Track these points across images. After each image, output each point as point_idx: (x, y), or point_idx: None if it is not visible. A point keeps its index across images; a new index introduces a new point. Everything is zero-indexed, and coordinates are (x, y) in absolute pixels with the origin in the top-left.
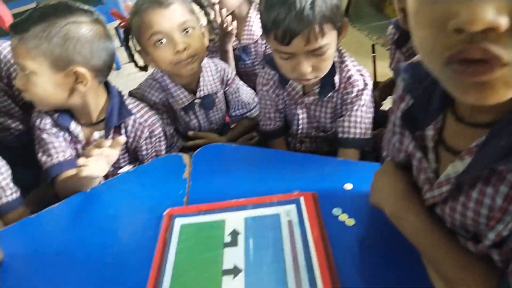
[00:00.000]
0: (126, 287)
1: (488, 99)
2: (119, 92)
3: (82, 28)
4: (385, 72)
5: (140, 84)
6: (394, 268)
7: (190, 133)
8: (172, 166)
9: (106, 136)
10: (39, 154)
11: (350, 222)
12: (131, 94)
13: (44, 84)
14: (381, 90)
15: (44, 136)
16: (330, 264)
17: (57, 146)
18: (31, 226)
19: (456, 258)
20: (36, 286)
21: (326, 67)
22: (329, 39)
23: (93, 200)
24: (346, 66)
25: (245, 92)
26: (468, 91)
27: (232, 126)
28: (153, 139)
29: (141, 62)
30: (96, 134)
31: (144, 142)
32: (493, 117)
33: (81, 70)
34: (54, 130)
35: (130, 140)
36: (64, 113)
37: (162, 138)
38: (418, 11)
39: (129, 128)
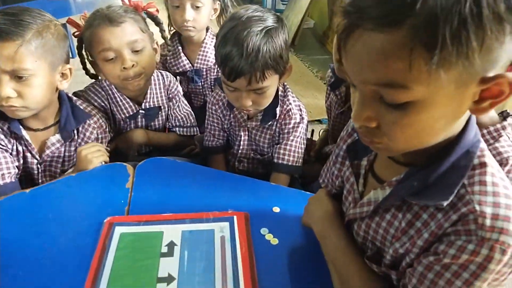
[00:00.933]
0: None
1: (380, 153)
2: (67, 95)
3: (61, 28)
4: (318, 104)
5: (85, 88)
6: (309, 282)
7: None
8: (116, 175)
9: (65, 140)
10: None
11: (275, 241)
12: (76, 94)
13: (42, 85)
14: (316, 150)
15: None
16: (253, 276)
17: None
18: None
19: (364, 274)
20: None
21: (265, 103)
22: (270, 82)
23: (32, 202)
24: (288, 100)
25: (184, 110)
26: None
27: None
28: (99, 141)
29: (92, 70)
30: (53, 139)
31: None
32: (412, 159)
33: (69, 67)
34: (4, 141)
35: (79, 141)
36: (13, 120)
37: (105, 143)
38: None
39: (80, 129)
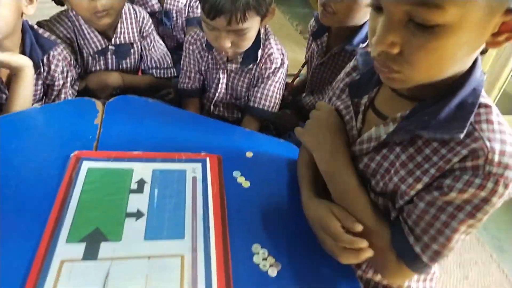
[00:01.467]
0: (27, 219)
1: (393, 86)
2: (29, 24)
3: None
4: (296, 57)
5: (50, 17)
6: (276, 224)
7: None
8: (84, 110)
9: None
10: None
11: (246, 184)
12: (39, 24)
13: (9, 6)
14: (293, 92)
15: None
16: (223, 216)
17: None
18: None
19: (372, 211)
20: None
21: (245, 46)
22: (250, 24)
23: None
24: (270, 43)
25: (159, 50)
26: (383, 78)
27: None
28: (65, 74)
29: None
30: None
31: (58, 77)
32: (419, 94)
33: None
34: None
35: (44, 74)
36: None
37: (69, 79)
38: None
39: (44, 61)
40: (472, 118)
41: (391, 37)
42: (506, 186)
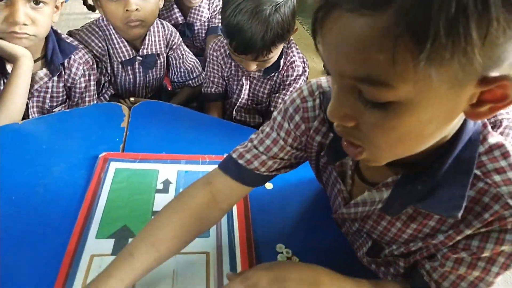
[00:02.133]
0: (58, 216)
1: (364, 162)
2: (53, 29)
3: None
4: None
5: (81, 27)
6: (299, 225)
7: (132, 99)
8: (111, 114)
9: (52, 73)
10: None
11: (269, 186)
12: (70, 34)
13: (50, 15)
14: None
15: None
16: (247, 215)
17: None
18: None
19: None
20: None
21: (268, 65)
22: (276, 52)
23: (25, 133)
24: (292, 52)
25: (189, 60)
26: (348, 153)
27: (169, 88)
28: (87, 77)
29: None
30: (41, 73)
31: (79, 80)
32: (405, 160)
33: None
34: None
35: (66, 77)
36: None
37: (92, 82)
38: None
39: (66, 65)
40: (478, 171)
41: (343, 109)
42: None
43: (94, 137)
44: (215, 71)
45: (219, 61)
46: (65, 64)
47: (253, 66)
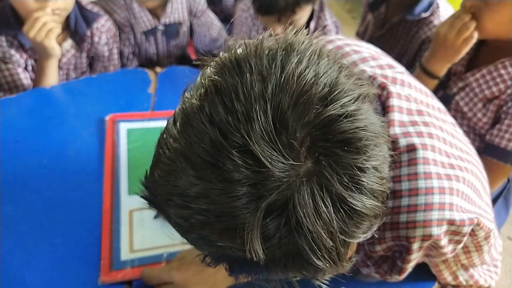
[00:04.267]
0: (86, 178)
1: None
2: None
3: None
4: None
5: None
6: None
7: (158, 69)
8: (137, 80)
9: (78, 44)
10: None
11: None
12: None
13: None
14: None
15: None
16: None
17: (6, 76)
18: None
19: None
20: None
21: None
22: (302, 14)
23: (52, 97)
24: (324, 15)
25: (215, 28)
26: None
27: (193, 58)
28: (110, 46)
29: None
30: (66, 45)
31: (102, 50)
32: None
33: None
34: (10, 52)
35: (89, 46)
36: (21, 31)
37: (115, 50)
38: None
39: (88, 33)
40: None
41: None
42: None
43: (122, 101)
44: (243, 33)
45: (248, 22)
46: (87, 32)
47: (279, 29)
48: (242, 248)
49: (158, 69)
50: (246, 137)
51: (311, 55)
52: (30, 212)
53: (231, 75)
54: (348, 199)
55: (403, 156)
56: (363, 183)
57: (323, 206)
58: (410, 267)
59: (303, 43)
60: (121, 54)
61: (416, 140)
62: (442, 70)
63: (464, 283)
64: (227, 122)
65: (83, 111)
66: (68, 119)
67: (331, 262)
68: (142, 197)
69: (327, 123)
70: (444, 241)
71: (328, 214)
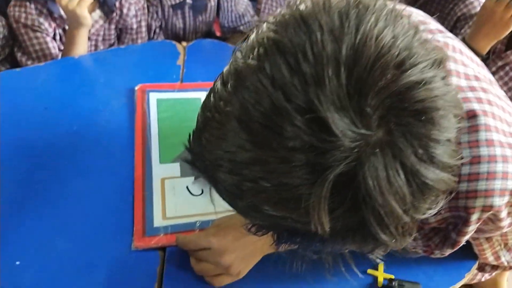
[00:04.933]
0: (116, 147)
1: None
2: None
3: None
4: None
5: None
6: None
7: (184, 43)
8: (166, 52)
9: (106, 15)
10: (19, 54)
11: None
12: None
13: None
14: None
15: (23, 31)
16: None
17: (35, 45)
18: (15, 79)
19: None
20: (20, 134)
21: None
22: None
23: (83, 66)
24: None
25: (242, 3)
26: None
27: (218, 34)
28: (138, 18)
29: None
30: (95, 15)
31: (131, 22)
32: None
33: None
34: (39, 20)
35: (117, 18)
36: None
37: (144, 23)
38: None
39: (117, 5)
40: None
41: None
42: None
43: (151, 73)
44: (271, 12)
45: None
46: (117, 4)
47: None
48: (300, 220)
49: (185, 43)
50: (316, 101)
51: (387, 15)
52: (62, 178)
53: (297, 33)
54: (421, 172)
55: (463, 123)
56: (437, 156)
57: (395, 179)
58: (464, 240)
59: (376, 0)
60: (148, 28)
61: (476, 106)
62: (486, 47)
63: (505, 264)
64: (292, 84)
65: (112, 80)
66: (97, 88)
67: (397, 237)
68: (186, 161)
69: (404, 91)
70: (504, 213)
71: (400, 188)
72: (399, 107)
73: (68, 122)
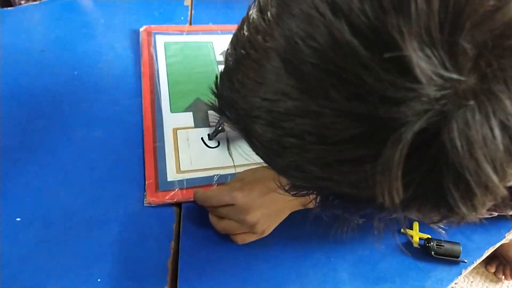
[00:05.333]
0: (122, 93)
1: None
2: None
3: None
4: None
5: None
6: None
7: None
8: None
9: None
10: None
11: None
12: None
13: None
14: None
15: None
16: None
17: None
18: (8, 19)
19: None
20: (16, 80)
21: None
22: None
23: (80, 6)
24: None
25: None
26: None
27: None
28: None
29: None
30: None
31: None
32: None
33: None
34: None
35: None
36: None
37: None
38: None
39: None
40: None
41: None
42: None
43: (156, 13)
44: None
45: None
46: None
47: None
48: (358, 185)
49: None
50: (395, 33)
51: None
52: (64, 127)
53: None
54: None
55: None
56: None
57: (492, 139)
58: None
59: None
60: None
61: None
62: None
63: None
64: (361, 10)
65: (114, 21)
66: (98, 29)
67: (479, 210)
68: (214, 109)
69: (507, 27)
70: None
71: (497, 151)
72: (500, 46)
73: (68, 66)
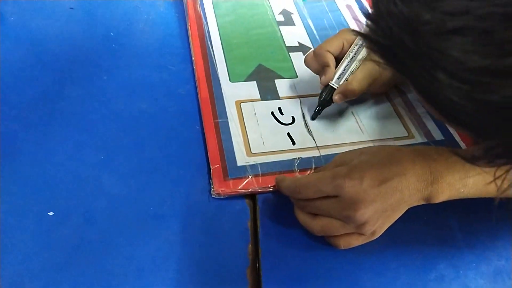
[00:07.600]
0: (167, 60)
1: None
2: None
3: None
4: None
5: None
6: None
7: None
8: None
9: None
10: None
11: None
12: None
13: None
14: None
15: None
16: None
17: None
18: None
19: None
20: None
21: None
22: None
23: None
24: None
25: None
26: None
27: None
28: None
29: None
30: None
31: None
32: None
33: None
34: None
35: None
36: None
37: None
38: None
39: None
40: None
41: None
42: None
43: None
44: None
45: None
46: None
47: None
48: None
49: None
50: None
51: None
52: (101, 97)
53: None
54: None
55: None
56: None
57: None
58: None
59: None
60: None
61: None
62: None
63: None
64: None
65: None
66: None
67: None
68: (365, 37)
69: None
70: None
71: None
72: None
73: (102, 26)
